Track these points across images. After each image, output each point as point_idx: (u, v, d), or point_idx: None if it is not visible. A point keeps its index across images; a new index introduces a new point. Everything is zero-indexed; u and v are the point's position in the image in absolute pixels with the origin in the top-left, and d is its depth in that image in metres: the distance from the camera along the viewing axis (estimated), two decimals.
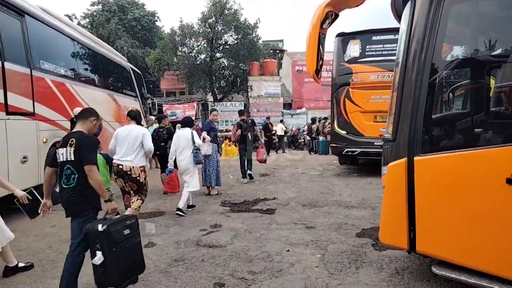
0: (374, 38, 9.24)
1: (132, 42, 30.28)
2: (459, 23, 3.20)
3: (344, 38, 9.55)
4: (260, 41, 27.58)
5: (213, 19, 25.10)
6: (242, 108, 25.41)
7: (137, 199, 4.95)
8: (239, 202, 6.83)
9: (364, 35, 9.45)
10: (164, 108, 25.02)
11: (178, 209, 5.86)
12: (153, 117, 13.02)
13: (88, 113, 3.43)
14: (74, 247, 3.10)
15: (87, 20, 31.81)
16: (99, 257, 2.93)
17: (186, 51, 26.39)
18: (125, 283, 3.10)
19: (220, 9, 24.68)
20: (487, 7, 3.00)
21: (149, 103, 14.95)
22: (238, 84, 27.68)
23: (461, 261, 2.72)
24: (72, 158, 3.08)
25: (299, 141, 21.25)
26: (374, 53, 9.22)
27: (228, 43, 26.26)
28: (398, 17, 3.57)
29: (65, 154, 3.12)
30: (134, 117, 5.22)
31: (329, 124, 15.50)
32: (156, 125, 12.10)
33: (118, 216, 3.25)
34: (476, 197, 2.62)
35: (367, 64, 9.15)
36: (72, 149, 3.09)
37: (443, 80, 3.42)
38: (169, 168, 6.27)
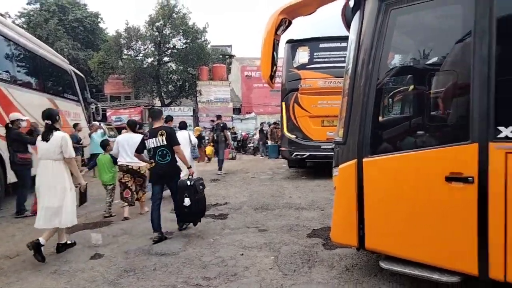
0: (321, 45, 9.56)
1: (73, 44, 28.68)
2: (404, 33, 3.41)
3: (293, 44, 9.79)
4: (209, 46, 27.47)
5: (161, 22, 24.63)
6: (191, 113, 25.15)
7: (142, 193, 6.38)
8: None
9: (312, 42, 9.76)
10: (108, 113, 24.00)
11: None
12: (97, 123, 12.44)
13: (160, 113, 5.20)
14: (159, 201, 4.95)
15: (23, 19, 29.57)
16: (187, 201, 4.77)
17: (132, 55, 25.58)
18: (196, 220, 5.09)
19: (168, 13, 24.29)
20: (429, 19, 3.23)
21: (92, 108, 14.25)
22: (187, 89, 27.33)
23: (405, 255, 2.89)
24: (165, 143, 4.80)
25: (249, 145, 21.38)
26: (321, 59, 9.54)
27: (177, 47, 25.88)
28: (348, 26, 3.73)
29: (156, 141, 4.80)
30: (130, 126, 6.48)
31: (278, 128, 15.87)
32: (100, 131, 11.57)
33: (193, 177, 5.07)
34: (419, 195, 2.81)
35: (315, 71, 9.44)
36: (164, 137, 4.79)
37: (389, 86, 3.63)
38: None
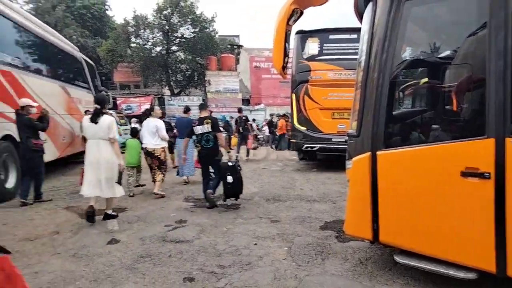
0: (331, 36, 9.54)
1: (81, 31, 28.70)
2: (418, 25, 3.41)
3: (303, 35, 9.75)
4: (217, 36, 27.35)
5: (169, 10, 24.55)
6: (202, 102, 25.17)
7: (159, 173, 6.80)
8: (203, 198, 6.78)
9: (322, 34, 9.72)
10: (118, 102, 24.13)
11: None
12: (110, 111, 12.55)
13: (205, 105, 6.62)
14: (207, 180, 6.16)
15: (30, 6, 29.63)
16: (230, 179, 5.78)
17: (141, 43, 25.58)
18: (238, 194, 6.02)
19: (175, 1, 24.15)
20: (444, 11, 3.22)
21: None
22: (196, 79, 27.32)
23: (420, 249, 2.93)
24: (210, 130, 5.87)
25: (258, 137, 21.41)
26: (332, 51, 9.52)
27: (185, 36, 25.81)
28: (360, 17, 3.73)
29: (202, 128, 5.92)
30: (147, 113, 7.36)
31: (288, 121, 15.93)
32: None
33: (233, 159, 6.16)
34: (434, 189, 2.84)
35: (325, 62, 9.42)
36: (209, 125, 5.87)
37: (403, 79, 3.65)
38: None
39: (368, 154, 3.08)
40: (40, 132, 6.68)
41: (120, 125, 13.96)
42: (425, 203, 2.88)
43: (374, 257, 3.78)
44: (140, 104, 24.15)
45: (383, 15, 3.06)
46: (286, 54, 3.77)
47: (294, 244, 4.18)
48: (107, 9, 33.15)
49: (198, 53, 25.75)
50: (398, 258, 3.02)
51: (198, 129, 5.98)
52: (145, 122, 7.01)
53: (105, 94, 14.56)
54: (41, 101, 8.10)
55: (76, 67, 11.87)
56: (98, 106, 5.00)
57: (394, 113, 3.19)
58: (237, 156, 11.48)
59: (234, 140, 13.55)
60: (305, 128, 9.70)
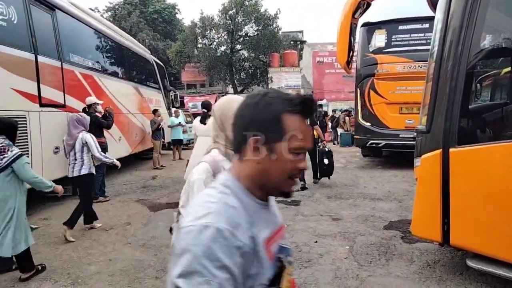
0: (400, 27, 9.03)
1: (153, 34, 30.54)
2: (500, 9, 3.09)
3: (370, 28, 9.36)
4: (280, 32, 27.33)
5: (234, 10, 25.01)
6: None
7: None
8: None
9: (390, 25, 9.24)
10: (185, 100, 25.25)
11: None
12: (178, 110, 13.37)
13: None
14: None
15: (109, 13, 32.25)
16: (326, 161, 7.15)
17: (207, 43, 26.45)
18: (331, 173, 7.38)
19: (240, 1, 24.58)
20: None
21: (171, 95, 15.13)
22: (258, 76, 27.59)
23: (497, 254, 2.67)
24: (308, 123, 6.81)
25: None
26: (400, 43, 9.02)
27: (249, 34, 26.15)
28: (433, 6, 3.48)
29: None
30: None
31: (351, 116, 15.52)
32: (182, 116, 12.40)
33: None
34: None
35: (393, 55, 8.96)
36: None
37: (481, 69, 3.33)
38: None
39: (439, 151, 2.86)
40: (106, 130, 6.97)
41: (187, 122, 14.60)
42: (504, 205, 2.61)
43: (443, 260, 3.52)
44: None
45: (460, 2, 2.82)
46: (351, 49, 3.64)
47: (356, 243, 4.05)
48: (176, 13, 34.88)
49: (261, 50, 25.93)
50: (471, 263, 2.78)
51: None
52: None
53: (174, 93, 15.43)
54: (117, 101, 8.76)
55: (148, 69, 12.64)
56: (205, 110, 5.81)
57: (469, 106, 2.91)
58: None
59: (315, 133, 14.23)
60: (370, 124, 9.32)
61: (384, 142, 9.14)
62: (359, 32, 9.60)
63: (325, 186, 7.35)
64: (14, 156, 3.23)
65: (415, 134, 3.39)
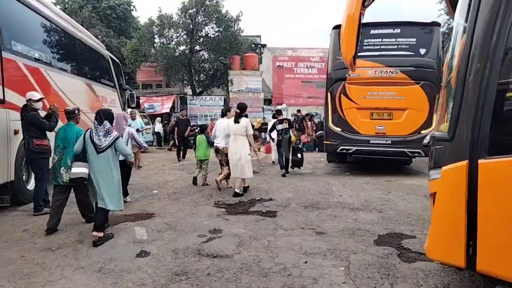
0: (372, 31, 8.84)
1: (106, 31, 28.75)
2: None
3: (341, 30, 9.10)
4: (240, 35, 26.88)
5: (194, 10, 24.20)
6: (223, 102, 24.81)
7: (226, 169, 7.17)
8: (234, 203, 6.28)
9: (362, 29, 9.02)
10: (141, 101, 23.88)
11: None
12: (135, 110, 12.34)
13: (281, 112, 10.30)
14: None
15: (59, 6, 29.95)
16: (299, 156, 9.33)
17: (165, 42, 25.37)
18: (301, 165, 9.61)
19: (201, 0, 23.84)
20: None
21: (127, 95, 14.07)
22: (218, 78, 26.92)
23: None
24: (287, 127, 9.14)
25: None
26: (372, 47, 8.84)
27: (209, 35, 25.42)
28: (453, 7, 3.10)
29: (282, 126, 9.14)
30: (224, 113, 7.82)
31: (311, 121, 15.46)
32: (139, 119, 11.40)
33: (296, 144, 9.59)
34: None
35: (364, 59, 8.71)
36: (286, 124, 9.22)
37: None
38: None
39: (465, 162, 2.45)
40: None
41: (145, 124, 13.65)
42: None
43: (453, 283, 3.15)
44: (162, 104, 23.84)
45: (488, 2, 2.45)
46: (358, 42, 3.20)
47: (351, 263, 3.59)
48: (132, 10, 33.25)
49: (222, 52, 25.28)
50: None
51: (279, 127, 9.17)
52: (218, 122, 7.63)
53: (130, 92, 14.39)
54: (66, 98, 7.77)
55: (103, 65, 11.57)
56: (238, 111, 6.73)
57: (504, 109, 2.50)
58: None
59: (293, 137, 14.17)
60: (341, 129, 9.06)
61: (354, 148, 8.93)
62: (330, 35, 9.35)
63: (298, 194, 6.88)
64: (116, 136, 4.39)
65: (429, 141, 2.99)
